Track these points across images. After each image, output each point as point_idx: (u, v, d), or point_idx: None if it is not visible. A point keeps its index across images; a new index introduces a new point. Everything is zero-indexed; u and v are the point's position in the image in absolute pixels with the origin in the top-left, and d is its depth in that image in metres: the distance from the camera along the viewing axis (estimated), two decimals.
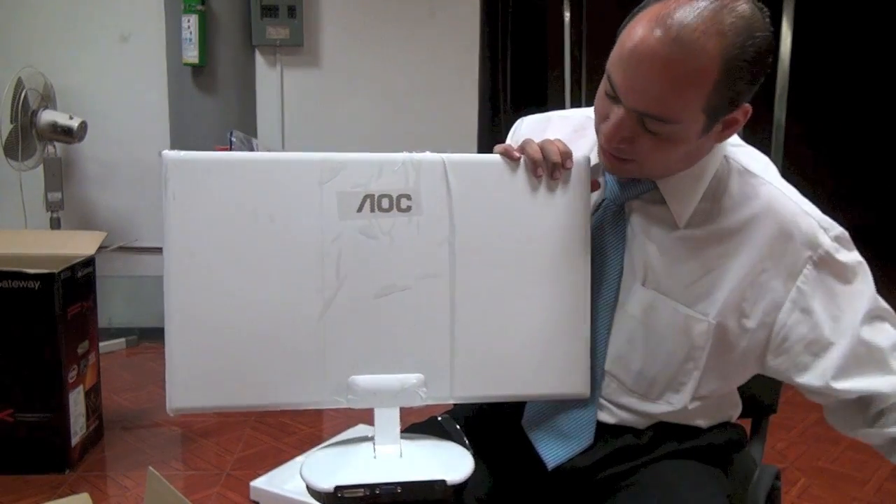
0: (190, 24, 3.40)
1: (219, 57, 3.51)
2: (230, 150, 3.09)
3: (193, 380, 1.02)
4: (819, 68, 6.05)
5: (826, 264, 1.04)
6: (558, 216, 1.06)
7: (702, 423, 1.15)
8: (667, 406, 1.11)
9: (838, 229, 1.06)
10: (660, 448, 1.12)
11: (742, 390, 1.22)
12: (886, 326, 1.06)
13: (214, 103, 3.55)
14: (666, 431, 1.13)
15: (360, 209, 1.02)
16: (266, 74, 3.68)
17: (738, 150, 1.12)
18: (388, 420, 1.02)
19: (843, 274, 1.05)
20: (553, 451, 1.12)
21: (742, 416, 1.29)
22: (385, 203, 1.02)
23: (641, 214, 1.10)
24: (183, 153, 1.02)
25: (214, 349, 1.01)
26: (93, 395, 2.55)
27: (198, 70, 3.50)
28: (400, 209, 1.02)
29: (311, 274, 1.02)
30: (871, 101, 6.43)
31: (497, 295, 1.06)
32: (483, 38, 3.88)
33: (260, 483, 2.26)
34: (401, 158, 1.03)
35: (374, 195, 1.02)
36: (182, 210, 1.02)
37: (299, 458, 2.43)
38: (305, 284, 1.02)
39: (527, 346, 1.06)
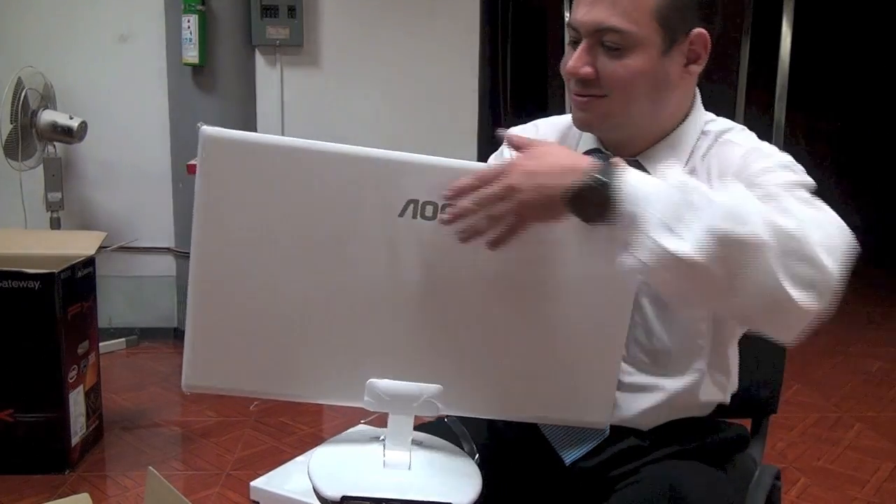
0: (190, 24, 3.40)
1: (219, 57, 3.51)
2: None
3: (211, 360, 0.99)
4: (819, 68, 6.05)
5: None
6: (609, 250, 1.00)
7: (715, 396, 1.15)
8: (688, 377, 1.12)
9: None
10: (662, 449, 1.12)
11: (742, 390, 1.22)
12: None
13: (214, 103, 3.54)
14: (668, 433, 1.13)
15: (401, 213, 0.96)
16: (266, 74, 3.68)
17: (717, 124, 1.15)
18: (402, 427, 1.00)
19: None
20: (570, 449, 1.13)
21: (742, 416, 1.29)
22: (429, 211, 0.96)
23: None
24: (222, 130, 0.95)
25: (235, 332, 0.98)
26: (93, 395, 2.55)
27: (198, 70, 3.50)
28: (444, 220, 0.96)
29: (342, 271, 0.97)
30: (872, 101, 6.43)
31: (531, 318, 1.01)
32: (483, 38, 3.88)
33: (260, 483, 2.26)
34: (455, 166, 0.96)
35: (418, 201, 0.95)
36: (215, 188, 0.95)
37: (299, 458, 2.43)
38: (334, 280, 0.97)
39: (553, 372, 1.03)
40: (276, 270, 0.97)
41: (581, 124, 1.13)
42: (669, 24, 1.03)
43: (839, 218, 0.92)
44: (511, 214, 0.92)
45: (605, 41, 1.03)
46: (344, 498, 0.91)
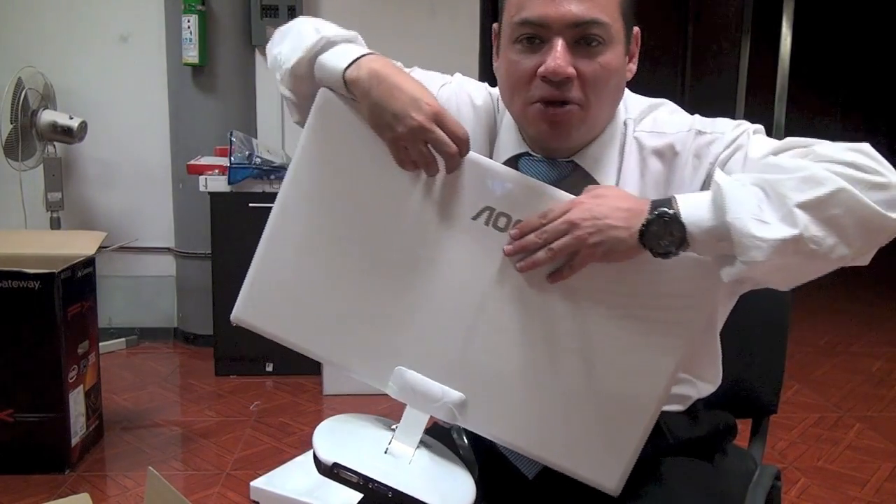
0: (190, 24, 3.40)
1: (219, 57, 3.51)
2: (230, 150, 3.09)
3: (264, 301, 1.04)
4: (819, 67, 6.05)
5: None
6: (671, 310, 0.98)
7: (685, 390, 1.12)
8: None
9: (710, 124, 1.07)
10: (649, 443, 1.08)
11: (742, 390, 1.22)
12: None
13: (214, 103, 3.55)
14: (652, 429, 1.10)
15: (475, 217, 0.98)
16: (266, 74, 3.67)
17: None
18: (415, 421, 1.01)
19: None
20: (527, 463, 1.11)
21: (742, 416, 1.29)
22: (502, 222, 0.98)
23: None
24: (339, 96, 1.03)
25: (294, 284, 1.03)
26: (93, 395, 2.55)
27: (198, 70, 3.50)
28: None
29: (408, 256, 1.01)
30: (872, 101, 6.43)
31: (572, 360, 0.99)
32: (483, 38, 3.88)
33: (260, 483, 2.26)
34: (537, 187, 0.99)
35: (493, 209, 0.98)
36: (318, 147, 1.03)
37: (299, 458, 2.43)
38: (399, 263, 1.01)
39: (577, 420, 1.00)
40: (349, 238, 1.02)
41: (548, 138, 1.05)
42: (627, 19, 1.02)
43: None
44: (570, 250, 0.94)
45: (591, 35, 0.98)
46: (335, 465, 0.93)
